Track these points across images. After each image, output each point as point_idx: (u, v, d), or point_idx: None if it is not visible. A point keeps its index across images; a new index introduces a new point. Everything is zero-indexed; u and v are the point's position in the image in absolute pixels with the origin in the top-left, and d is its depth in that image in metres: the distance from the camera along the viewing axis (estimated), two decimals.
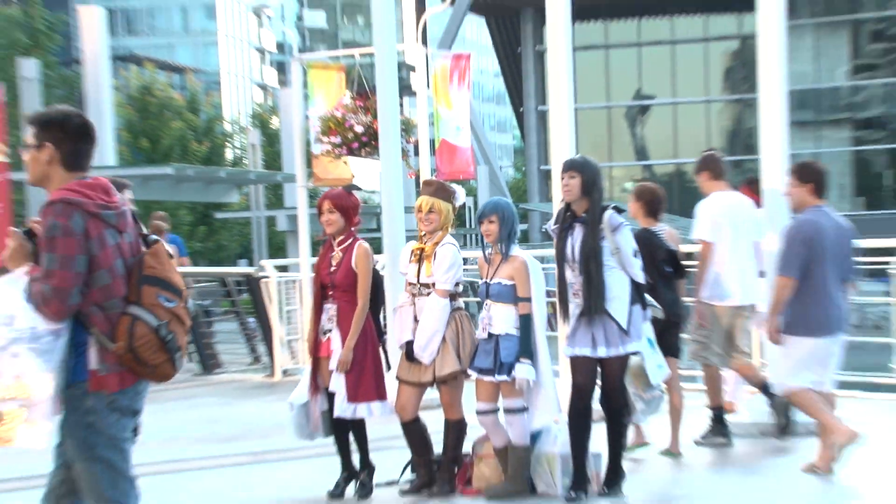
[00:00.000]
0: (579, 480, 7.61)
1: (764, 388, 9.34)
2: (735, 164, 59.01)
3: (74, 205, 4.38)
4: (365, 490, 7.98)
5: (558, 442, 7.85)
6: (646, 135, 60.62)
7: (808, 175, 8.32)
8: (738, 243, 9.37)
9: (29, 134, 4.54)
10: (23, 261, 4.42)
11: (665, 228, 9.05)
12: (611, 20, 59.39)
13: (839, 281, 8.20)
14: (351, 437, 8.10)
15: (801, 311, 8.07)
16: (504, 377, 7.56)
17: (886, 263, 11.89)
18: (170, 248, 15.84)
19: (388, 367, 8.09)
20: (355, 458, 8.12)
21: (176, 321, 4.47)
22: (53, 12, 45.76)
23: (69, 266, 4.31)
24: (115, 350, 4.39)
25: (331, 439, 8.13)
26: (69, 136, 4.53)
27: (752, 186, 9.88)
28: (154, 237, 4.60)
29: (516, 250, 7.73)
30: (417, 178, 13.47)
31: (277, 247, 40.11)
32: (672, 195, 59.94)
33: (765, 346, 9.72)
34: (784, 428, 9.22)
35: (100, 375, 4.40)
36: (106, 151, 27.90)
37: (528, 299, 7.55)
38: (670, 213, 50.07)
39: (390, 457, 8.56)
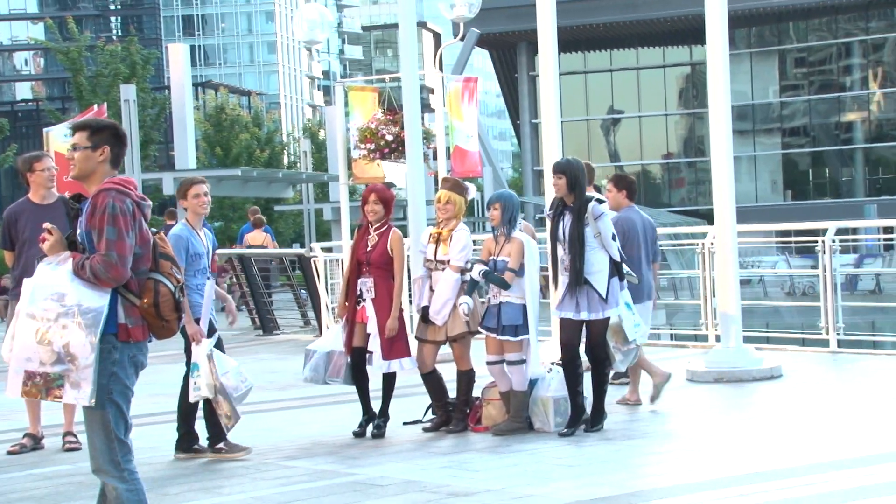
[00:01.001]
0: (573, 419, 7.50)
1: None
2: (689, 164, 58.83)
3: (125, 194, 4.44)
4: (380, 432, 7.76)
5: (551, 388, 7.73)
6: (617, 141, 60.37)
7: (622, 184, 8.62)
8: None
9: (81, 137, 4.52)
10: (61, 249, 4.42)
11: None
12: (588, 51, 59.15)
13: (648, 261, 8.57)
14: (371, 387, 7.89)
15: (629, 285, 8.12)
16: (506, 337, 7.50)
17: (814, 243, 11.71)
18: (267, 235, 15.66)
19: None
20: (374, 405, 7.90)
21: (180, 290, 4.54)
22: (147, 48, 45.62)
23: (127, 238, 4.35)
24: (141, 305, 4.41)
25: (353, 388, 7.93)
26: (119, 141, 4.55)
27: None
28: (154, 229, 4.64)
29: (517, 232, 7.63)
30: (436, 176, 13.33)
31: (324, 233, 39.95)
32: (639, 188, 59.61)
33: None
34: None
35: (129, 327, 4.40)
36: (188, 157, 27.70)
37: (514, 271, 7.46)
38: (637, 203, 50.03)
39: (414, 401, 8.43)
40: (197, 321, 7.04)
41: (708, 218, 48.34)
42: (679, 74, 59.66)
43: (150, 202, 4.59)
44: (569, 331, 7.54)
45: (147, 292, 4.41)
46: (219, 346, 7.19)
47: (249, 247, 18.05)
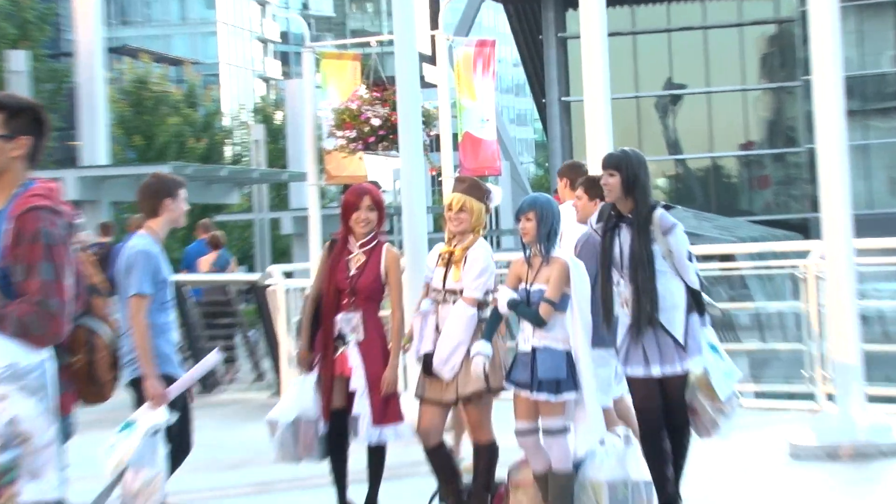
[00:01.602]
0: None
1: None
2: (776, 157, 58.91)
3: (58, 212, 4.20)
4: None
5: (605, 467, 7.55)
6: (678, 127, 60.50)
7: (596, 191, 8.26)
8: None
9: None
10: None
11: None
12: (638, 4, 59.39)
13: None
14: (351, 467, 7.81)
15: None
16: (540, 395, 7.30)
17: None
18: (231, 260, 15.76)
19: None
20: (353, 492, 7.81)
21: (118, 338, 4.46)
22: (43, 2, 45.77)
23: (66, 276, 4.14)
24: (74, 364, 4.29)
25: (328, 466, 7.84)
26: (43, 131, 4.36)
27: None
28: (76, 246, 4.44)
29: (558, 251, 7.39)
30: (438, 174, 13.28)
31: (280, 251, 39.99)
32: (708, 191, 59.81)
33: None
34: None
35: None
36: (98, 149, 27.71)
37: (552, 303, 7.18)
38: (706, 209, 50.02)
39: (413, 485, 8.30)
40: (167, 380, 6.86)
41: (802, 230, 48.34)
42: (760, 35, 59.87)
43: (79, 217, 4.44)
44: (642, 392, 7.43)
45: (79, 346, 4.29)
46: (182, 437, 6.99)
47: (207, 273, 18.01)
